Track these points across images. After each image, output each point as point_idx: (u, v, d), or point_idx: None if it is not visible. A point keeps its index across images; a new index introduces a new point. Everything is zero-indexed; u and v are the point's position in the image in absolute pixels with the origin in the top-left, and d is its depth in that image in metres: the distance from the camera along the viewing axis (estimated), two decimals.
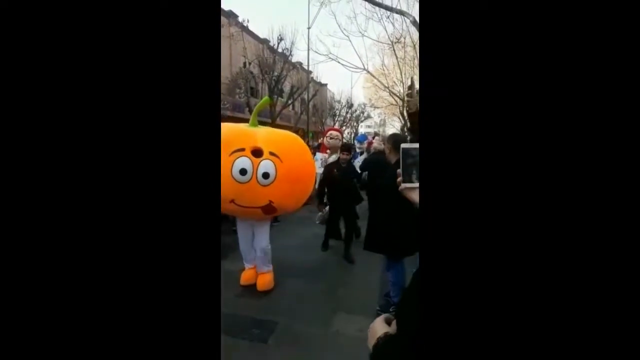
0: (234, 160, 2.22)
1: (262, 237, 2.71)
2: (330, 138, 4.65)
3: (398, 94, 12.48)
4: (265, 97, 2.85)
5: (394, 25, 9.46)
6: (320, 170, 4.49)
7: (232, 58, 13.01)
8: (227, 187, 2.21)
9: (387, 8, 7.08)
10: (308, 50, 11.88)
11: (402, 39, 9.59)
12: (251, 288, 2.77)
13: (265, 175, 2.27)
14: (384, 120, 26.38)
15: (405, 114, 12.92)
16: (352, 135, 18.14)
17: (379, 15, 8.77)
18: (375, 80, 13.22)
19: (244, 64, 12.66)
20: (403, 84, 12.17)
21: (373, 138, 7.87)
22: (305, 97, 13.88)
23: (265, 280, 2.80)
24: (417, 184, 0.65)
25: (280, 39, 11.63)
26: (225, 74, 12.67)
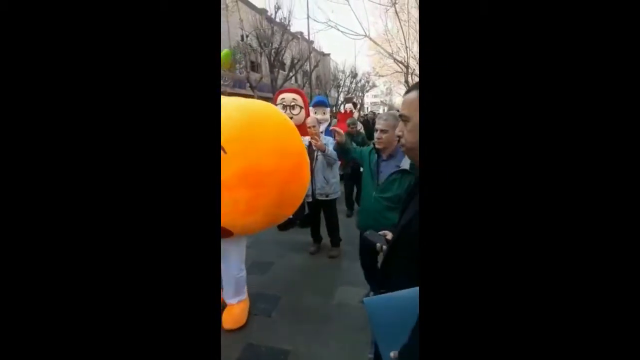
0: None
1: (233, 263, 1.95)
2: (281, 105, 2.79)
3: (402, 61, 12.02)
4: (226, 50, 2.28)
5: None
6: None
7: (229, 32, 12.60)
8: None
9: None
10: (308, 17, 11.39)
11: None
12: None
13: None
14: (390, 89, 25.64)
15: (410, 81, 12.51)
16: (358, 107, 17.72)
17: None
18: (379, 48, 12.73)
19: (242, 37, 12.26)
20: (407, 49, 11.68)
21: (352, 110, 4.73)
22: (308, 68, 13.51)
23: (233, 314, 1.99)
24: None
25: (278, 8, 11.18)
26: (224, 48, 12.34)
